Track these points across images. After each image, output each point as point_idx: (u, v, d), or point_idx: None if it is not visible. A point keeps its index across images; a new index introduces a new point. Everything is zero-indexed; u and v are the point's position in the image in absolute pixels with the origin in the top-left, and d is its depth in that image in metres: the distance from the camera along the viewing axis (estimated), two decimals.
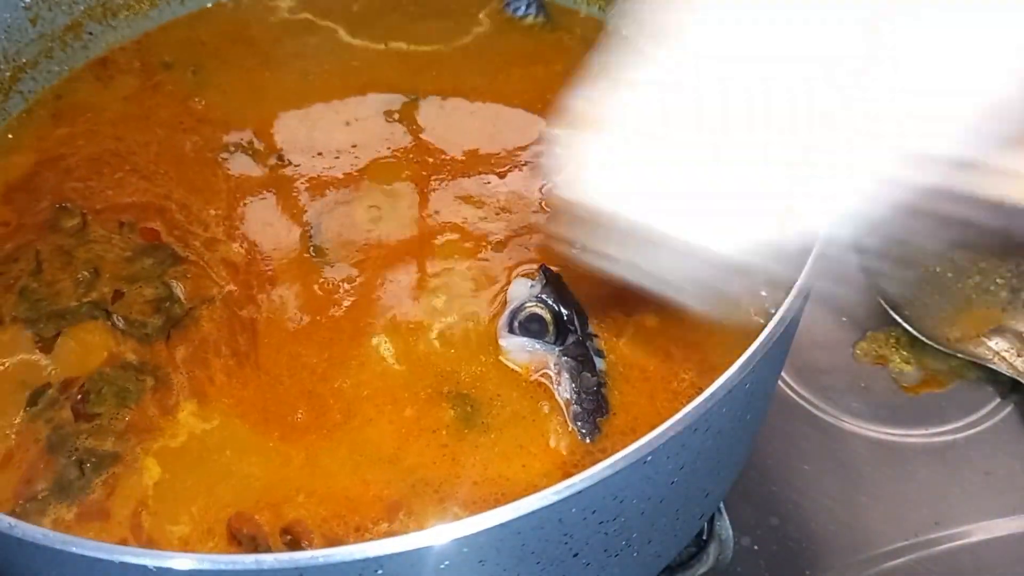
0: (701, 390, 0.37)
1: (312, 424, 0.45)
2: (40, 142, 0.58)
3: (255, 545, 0.41)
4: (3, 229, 0.54)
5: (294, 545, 0.41)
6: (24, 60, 0.59)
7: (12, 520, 0.34)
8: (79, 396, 0.46)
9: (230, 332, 0.49)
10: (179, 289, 0.50)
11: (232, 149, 0.58)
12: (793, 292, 0.41)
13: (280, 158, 0.57)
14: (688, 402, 0.36)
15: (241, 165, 0.57)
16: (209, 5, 0.66)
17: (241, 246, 0.53)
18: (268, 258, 0.52)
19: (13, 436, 0.45)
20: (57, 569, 0.36)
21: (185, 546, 0.41)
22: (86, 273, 0.51)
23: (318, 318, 0.49)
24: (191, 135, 0.58)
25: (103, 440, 0.45)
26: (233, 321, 0.49)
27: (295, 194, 0.55)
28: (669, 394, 0.45)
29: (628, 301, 0.49)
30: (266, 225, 0.54)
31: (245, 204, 0.55)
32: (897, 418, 0.65)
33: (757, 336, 0.39)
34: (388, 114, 0.60)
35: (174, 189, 0.55)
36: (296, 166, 0.57)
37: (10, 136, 0.59)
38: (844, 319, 0.69)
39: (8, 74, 0.59)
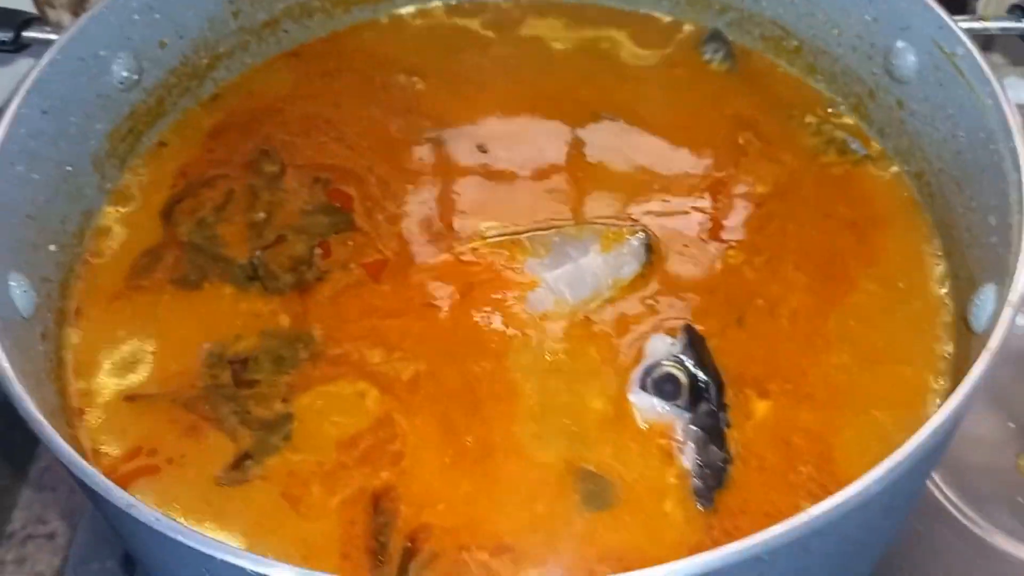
0: (823, 487, 0.34)
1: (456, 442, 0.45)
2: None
3: (378, 534, 0.42)
4: (209, 156, 0.59)
5: (407, 554, 0.42)
6: (222, 50, 0.63)
7: (131, 499, 0.35)
8: (238, 363, 0.48)
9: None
10: (318, 257, 0.52)
11: (442, 139, 0.59)
12: (959, 396, 0.37)
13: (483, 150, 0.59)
14: (807, 497, 0.34)
15: (444, 154, 0.59)
16: (409, 10, 0.68)
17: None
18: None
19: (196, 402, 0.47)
20: (165, 552, 0.37)
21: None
22: (262, 214, 0.54)
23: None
24: (398, 118, 0.61)
25: (268, 405, 0.47)
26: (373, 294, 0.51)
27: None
28: (786, 487, 0.43)
29: (765, 381, 0.46)
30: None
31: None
32: None
33: (887, 438, 0.36)
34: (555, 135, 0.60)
35: (377, 163, 0.58)
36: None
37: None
38: (1011, 424, 0.63)
39: (206, 62, 0.62)
